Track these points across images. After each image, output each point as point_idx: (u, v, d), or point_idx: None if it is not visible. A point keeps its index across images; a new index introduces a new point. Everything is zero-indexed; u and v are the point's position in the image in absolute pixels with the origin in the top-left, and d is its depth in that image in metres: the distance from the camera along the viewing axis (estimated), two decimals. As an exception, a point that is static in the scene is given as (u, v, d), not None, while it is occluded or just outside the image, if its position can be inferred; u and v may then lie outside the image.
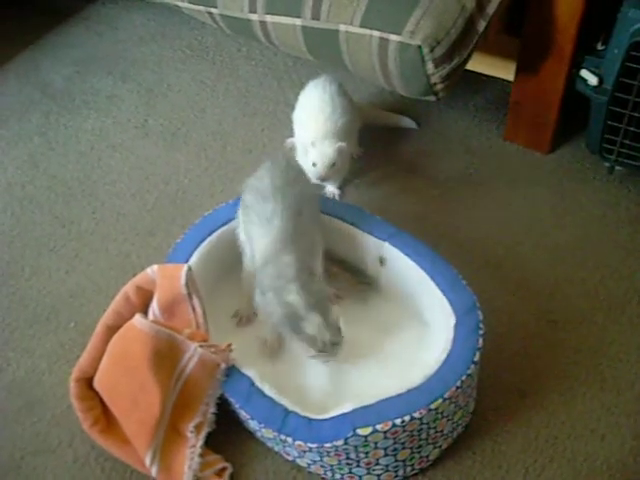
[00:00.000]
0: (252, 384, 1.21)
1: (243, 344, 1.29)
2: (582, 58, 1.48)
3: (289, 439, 1.16)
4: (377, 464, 1.18)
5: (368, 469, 1.18)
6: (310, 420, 1.16)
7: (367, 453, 1.15)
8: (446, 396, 1.13)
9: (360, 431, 1.11)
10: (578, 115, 1.58)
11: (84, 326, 1.43)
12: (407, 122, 1.77)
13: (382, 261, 1.39)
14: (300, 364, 1.32)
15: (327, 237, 1.37)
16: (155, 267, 1.30)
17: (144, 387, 1.20)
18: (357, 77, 1.55)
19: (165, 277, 1.29)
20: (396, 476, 1.22)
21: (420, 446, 1.18)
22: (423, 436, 1.16)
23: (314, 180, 1.53)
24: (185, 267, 1.28)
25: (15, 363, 1.40)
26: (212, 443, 1.25)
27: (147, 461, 1.20)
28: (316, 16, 1.39)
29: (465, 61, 1.38)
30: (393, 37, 1.33)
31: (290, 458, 1.23)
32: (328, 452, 1.15)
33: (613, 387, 1.33)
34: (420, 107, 1.80)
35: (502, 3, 1.39)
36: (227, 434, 1.26)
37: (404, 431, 1.12)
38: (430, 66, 1.33)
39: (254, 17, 1.47)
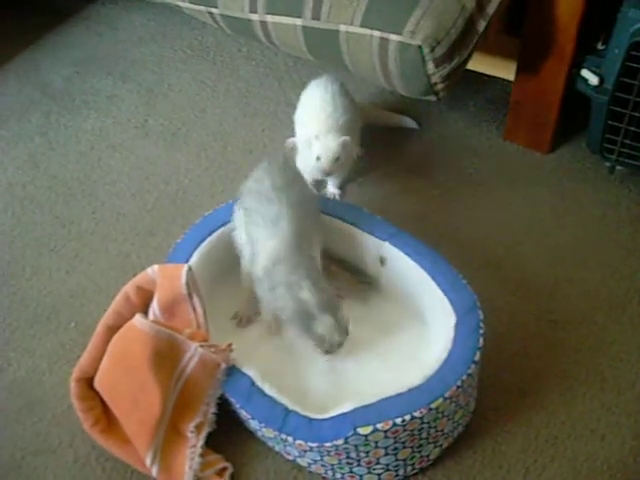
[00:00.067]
0: (252, 384, 1.21)
1: (243, 344, 1.29)
2: (582, 58, 1.48)
3: (290, 438, 1.16)
4: (378, 463, 1.18)
5: (369, 468, 1.19)
6: (310, 419, 1.16)
7: (368, 452, 1.15)
8: (447, 395, 1.13)
9: (361, 430, 1.11)
10: (578, 115, 1.58)
11: (84, 326, 1.43)
12: (408, 122, 1.77)
13: (382, 261, 1.39)
14: (300, 364, 1.33)
15: (327, 237, 1.37)
16: (155, 267, 1.30)
17: (144, 387, 1.20)
18: (357, 77, 1.55)
19: (165, 277, 1.29)
20: (397, 475, 1.22)
21: (421, 445, 1.18)
22: (424, 435, 1.16)
23: (318, 176, 1.53)
24: (185, 267, 1.28)
25: (16, 363, 1.40)
26: (213, 443, 1.25)
27: (148, 461, 1.20)
28: (316, 16, 1.39)
29: (465, 61, 1.38)
30: (393, 37, 1.33)
31: (291, 457, 1.23)
32: (329, 451, 1.15)
33: (613, 387, 1.33)
34: (420, 107, 1.80)
35: (502, 3, 1.39)
36: (228, 434, 1.26)
37: (405, 430, 1.12)
38: (430, 66, 1.33)
39: (255, 17, 1.47)
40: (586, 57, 1.47)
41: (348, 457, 1.16)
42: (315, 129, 1.55)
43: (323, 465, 1.19)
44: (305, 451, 1.17)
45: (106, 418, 1.25)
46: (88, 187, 1.70)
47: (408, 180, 1.68)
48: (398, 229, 1.38)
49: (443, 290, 1.27)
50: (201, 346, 1.22)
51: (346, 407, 1.14)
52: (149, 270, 1.31)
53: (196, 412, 1.23)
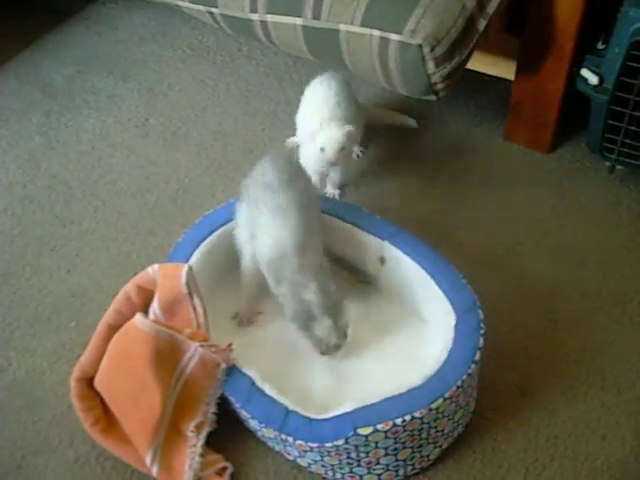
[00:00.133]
0: (253, 384, 1.21)
1: (244, 344, 1.29)
2: (582, 57, 1.48)
3: (290, 439, 1.16)
4: (378, 464, 1.18)
5: (369, 468, 1.19)
6: (311, 420, 1.16)
7: (368, 453, 1.15)
8: (447, 396, 1.13)
9: (361, 431, 1.11)
10: (578, 114, 1.58)
11: (85, 325, 1.43)
12: (408, 121, 1.77)
13: (382, 260, 1.38)
14: (301, 364, 1.32)
15: (327, 236, 1.36)
16: (156, 266, 1.30)
17: (145, 387, 1.20)
18: (357, 77, 1.55)
19: (166, 276, 1.29)
20: (397, 475, 1.22)
21: (421, 445, 1.18)
22: (424, 436, 1.16)
23: (322, 168, 1.52)
24: (186, 266, 1.28)
25: (16, 362, 1.40)
26: (213, 442, 1.25)
27: (148, 460, 1.20)
28: (317, 16, 1.39)
29: (465, 60, 1.38)
30: (394, 36, 1.33)
31: (291, 458, 1.24)
32: (329, 452, 1.15)
33: (614, 387, 1.33)
34: (420, 107, 1.79)
35: (502, 2, 1.39)
36: (228, 433, 1.26)
37: (405, 431, 1.12)
38: (431, 65, 1.33)
39: (255, 17, 1.47)
40: (586, 56, 1.47)
41: (348, 457, 1.16)
42: (319, 119, 1.52)
43: (323, 465, 1.19)
44: (305, 451, 1.17)
45: (106, 418, 1.25)
46: (89, 186, 1.70)
47: (408, 180, 1.68)
48: (398, 228, 1.38)
49: (443, 290, 1.27)
50: (201, 346, 1.22)
51: (346, 407, 1.14)
52: (149, 269, 1.31)
53: (196, 412, 1.23)
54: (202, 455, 1.22)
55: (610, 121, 1.49)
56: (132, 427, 1.22)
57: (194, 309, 1.27)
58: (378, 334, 1.35)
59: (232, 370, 1.23)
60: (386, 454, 1.16)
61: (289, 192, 1.29)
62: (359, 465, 1.18)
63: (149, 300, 1.30)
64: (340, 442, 1.12)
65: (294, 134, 1.70)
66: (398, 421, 1.11)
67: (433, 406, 1.12)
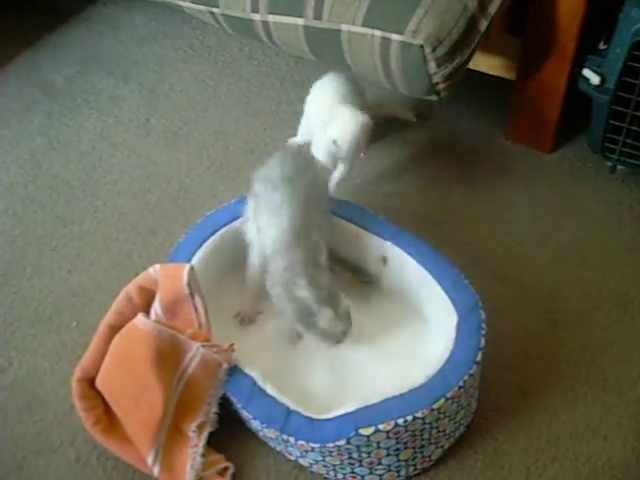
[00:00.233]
0: (254, 384, 1.21)
1: (245, 344, 1.29)
2: (584, 57, 1.48)
3: (291, 439, 1.16)
4: (379, 464, 1.18)
5: (370, 469, 1.19)
6: (312, 420, 1.16)
7: (369, 453, 1.15)
8: (448, 396, 1.13)
9: (362, 431, 1.11)
10: (580, 114, 1.58)
11: (86, 326, 1.43)
12: (409, 115, 1.77)
13: (384, 260, 1.38)
14: (302, 364, 1.33)
15: (329, 236, 1.36)
16: (157, 267, 1.31)
17: (146, 387, 1.20)
18: (359, 77, 1.54)
19: (167, 277, 1.29)
20: (398, 476, 1.22)
21: (422, 446, 1.18)
22: (425, 436, 1.16)
23: (330, 163, 1.49)
24: (187, 267, 1.28)
25: (17, 363, 1.41)
26: (214, 443, 1.25)
27: (149, 460, 1.20)
28: (318, 16, 1.39)
29: (467, 61, 1.38)
30: (395, 37, 1.33)
31: (292, 458, 1.23)
32: (330, 452, 1.15)
33: (615, 387, 1.33)
34: (422, 107, 1.79)
35: (504, 3, 1.39)
36: (229, 434, 1.26)
37: (406, 431, 1.12)
38: (432, 65, 1.33)
39: (256, 17, 1.47)
40: (587, 57, 1.47)
41: (350, 457, 1.16)
42: (329, 109, 1.48)
43: (325, 465, 1.19)
44: (307, 451, 1.17)
45: (108, 418, 1.25)
46: (89, 187, 1.70)
47: (409, 179, 1.68)
48: (400, 228, 1.38)
49: (445, 290, 1.27)
50: (203, 346, 1.22)
51: (348, 408, 1.14)
52: (151, 270, 1.31)
53: (198, 412, 1.23)
54: (204, 455, 1.22)
55: (612, 121, 1.49)
56: (134, 427, 1.22)
57: (195, 309, 1.27)
58: (380, 334, 1.35)
59: (233, 370, 1.23)
60: (388, 454, 1.16)
61: (288, 188, 1.28)
62: (361, 465, 1.18)
63: (150, 300, 1.30)
64: (342, 442, 1.12)
65: (295, 134, 1.70)
66: (400, 421, 1.11)
67: (435, 406, 1.12)
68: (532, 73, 1.58)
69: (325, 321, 1.23)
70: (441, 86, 1.37)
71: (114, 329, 1.27)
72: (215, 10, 1.53)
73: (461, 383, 1.15)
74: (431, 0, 1.33)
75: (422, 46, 1.31)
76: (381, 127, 1.75)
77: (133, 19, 2.12)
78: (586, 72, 1.47)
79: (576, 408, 1.31)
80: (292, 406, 1.17)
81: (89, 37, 2.08)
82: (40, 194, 1.69)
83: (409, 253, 1.34)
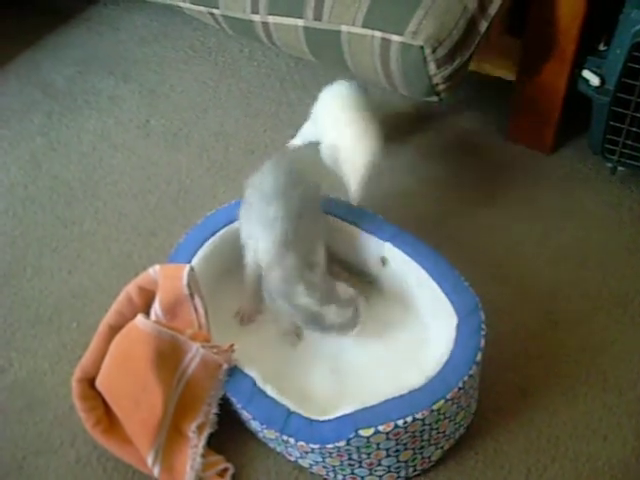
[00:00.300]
0: (254, 385, 1.21)
1: (245, 345, 1.29)
2: (584, 59, 1.48)
3: (291, 440, 1.16)
4: (379, 465, 1.18)
5: (370, 470, 1.19)
6: (312, 421, 1.16)
7: (369, 454, 1.15)
8: (448, 397, 1.13)
9: (362, 432, 1.11)
10: (580, 116, 1.58)
11: (86, 326, 1.43)
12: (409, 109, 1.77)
13: (384, 261, 1.38)
14: (302, 365, 1.33)
15: (328, 237, 1.37)
16: (157, 267, 1.31)
17: (146, 387, 1.20)
18: (359, 78, 1.54)
19: (167, 277, 1.29)
20: (398, 477, 1.22)
21: (422, 447, 1.18)
22: (425, 437, 1.16)
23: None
24: (187, 267, 1.28)
25: (17, 363, 1.41)
26: (214, 443, 1.25)
27: (149, 461, 1.20)
28: (318, 17, 1.39)
29: (467, 62, 1.38)
30: (395, 38, 1.33)
31: (292, 459, 1.24)
32: (330, 453, 1.15)
33: (615, 387, 1.33)
34: (422, 108, 1.79)
35: (504, 4, 1.39)
36: (229, 434, 1.26)
37: (406, 432, 1.12)
38: (432, 67, 1.33)
39: (256, 18, 1.47)
40: (587, 58, 1.47)
41: (350, 459, 1.16)
42: (339, 125, 1.44)
43: (324, 466, 1.19)
44: (306, 452, 1.17)
45: (108, 418, 1.25)
46: (90, 187, 1.70)
47: (409, 180, 1.68)
48: (399, 229, 1.38)
49: (444, 291, 1.27)
50: (203, 347, 1.22)
51: (347, 409, 1.14)
52: (151, 270, 1.31)
53: (198, 413, 1.23)
54: (203, 456, 1.22)
55: (611, 122, 1.49)
56: (133, 428, 1.22)
57: (195, 310, 1.27)
58: (379, 335, 1.35)
59: (234, 371, 1.23)
60: (387, 455, 1.16)
61: (281, 203, 1.29)
62: (360, 466, 1.18)
63: (150, 301, 1.30)
64: (341, 443, 1.12)
65: (295, 135, 1.70)
66: (399, 422, 1.11)
67: (434, 407, 1.12)
68: (532, 74, 1.58)
69: (333, 317, 1.24)
70: (441, 87, 1.37)
71: (114, 329, 1.27)
72: (215, 11, 1.53)
73: (461, 384, 1.15)
74: (431, 1, 1.33)
75: (422, 47, 1.31)
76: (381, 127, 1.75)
77: (133, 20, 2.12)
78: (586, 73, 1.47)
79: (576, 408, 1.31)
80: (292, 407, 1.17)
81: (89, 37, 2.08)
82: (40, 195, 1.69)
83: (408, 254, 1.34)
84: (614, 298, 1.45)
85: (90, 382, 1.26)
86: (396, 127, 1.78)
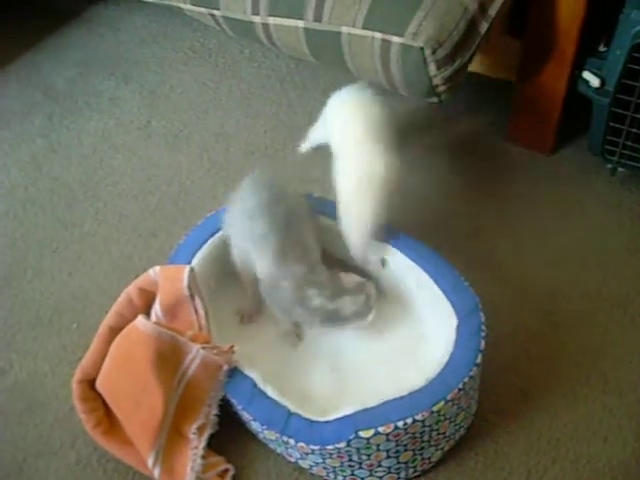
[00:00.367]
0: (255, 386, 1.21)
1: (246, 346, 1.28)
2: (584, 60, 1.48)
3: (291, 441, 1.16)
4: (379, 466, 1.18)
5: (370, 471, 1.19)
6: (312, 422, 1.16)
7: (369, 455, 1.15)
8: (448, 398, 1.13)
9: (362, 433, 1.11)
10: (580, 117, 1.58)
11: (87, 328, 1.43)
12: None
13: (383, 262, 1.38)
14: (303, 366, 1.33)
15: (328, 238, 1.36)
16: (157, 268, 1.31)
17: (147, 389, 1.20)
18: (359, 79, 1.54)
19: (167, 279, 1.29)
20: (398, 478, 1.22)
21: (422, 448, 1.18)
22: (425, 438, 1.16)
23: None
24: (187, 268, 1.28)
25: (17, 365, 1.41)
26: (215, 445, 1.25)
27: (150, 462, 1.20)
28: (318, 18, 1.39)
29: (467, 63, 1.38)
30: (395, 39, 1.33)
31: (292, 460, 1.24)
32: (330, 454, 1.15)
33: (615, 389, 1.33)
34: (422, 108, 1.79)
35: (504, 5, 1.39)
36: (229, 436, 1.27)
37: (406, 433, 1.12)
38: (432, 68, 1.33)
39: (257, 19, 1.47)
40: (587, 59, 1.47)
41: (350, 460, 1.16)
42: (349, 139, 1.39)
43: (325, 467, 1.19)
44: (307, 453, 1.17)
45: (108, 420, 1.25)
46: (90, 189, 1.70)
47: (408, 181, 1.67)
48: (398, 230, 1.38)
49: (444, 292, 1.27)
50: (203, 348, 1.22)
51: (347, 410, 1.14)
52: (151, 271, 1.31)
53: (198, 414, 1.23)
54: (204, 457, 1.22)
55: (611, 123, 1.49)
56: (134, 429, 1.22)
57: (196, 311, 1.27)
58: (379, 336, 1.35)
59: (234, 372, 1.23)
60: (387, 457, 1.16)
61: (266, 219, 1.29)
62: (361, 467, 1.18)
63: (151, 302, 1.30)
64: (342, 444, 1.12)
65: (295, 136, 1.70)
66: (399, 424, 1.11)
67: (435, 409, 1.12)
68: (532, 75, 1.58)
69: (348, 307, 1.26)
70: (441, 88, 1.37)
71: (114, 331, 1.27)
72: (216, 12, 1.53)
73: (461, 385, 1.14)
74: (431, 2, 1.33)
75: (422, 48, 1.31)
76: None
77: (134, 21, 2.12)
78: (586, 74, 1.47)
79: (576, 410, 1.31)
80: (292, 408, 1.17)
81: (90, 39, 2.08)
82: (41, 196, 1.69)
83: (408, 255, 1.34)
84: (614, 299, 1.45)
85: (90, 384, 1.26)
86: (396, 128, 1.78)
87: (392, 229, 1.38)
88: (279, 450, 1.24)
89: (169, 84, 1.94)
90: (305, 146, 1.69)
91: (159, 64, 1.99)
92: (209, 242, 1.38)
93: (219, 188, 1.68)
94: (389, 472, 1.20)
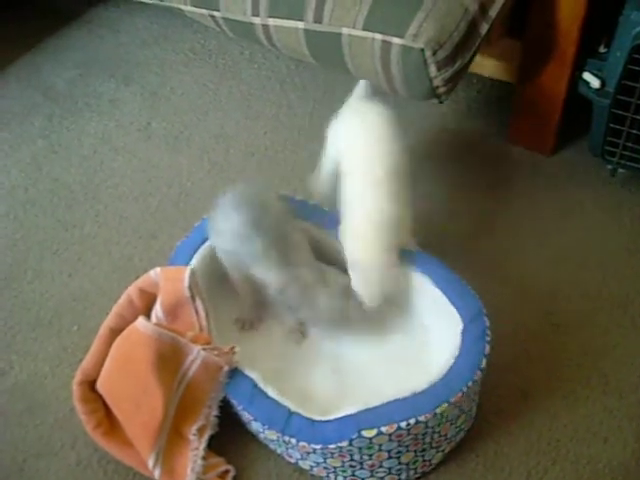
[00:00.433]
0: (255, 386, 1.21)
1: (246, 346, 1.28)
2: (584, 61, 1.48)
3: (293, 440, 1.16)
4: (381, 467, 1.18)
5: (371, 471, 1.19)
6: (314, 421, 1.16)
7: (371, 455, 1.15)
8: (451, 401, 1.13)
9: (365, 433, 1.11)
10: (580, 118, 1.58)
11: (87, 329, 1.43)
12: None
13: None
14: (303, 366, 1.33)
15: (330, 242, 1.36)
16: (158, 270, 1.31)
17: (147, 390, 1.20)
18: (359, 80, 1.54)
19: (168, 280, 1.29)
20: (399, 479, 1.22)
21: (424, 450, 1.18)
22: (427, 440, 1.16)
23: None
24: (188, 270, 1.29)
25: (18, 366, 1.41)
26: (215, 446, 1.25)
27: (150, 463, 1.20)
28: (318, 19, 1.39)
29: (468, 64, 1.38)
30: (396, 40, 1.33)
31: (293, 460, 1.24)
32: (332, 453, 1.15)
33: (616, 390, 1.33)
34: (422, 109, 1.79)
35: (504, 6, 1.39)
36: (230, 437, 1.27)
37: (409, 434, 1.12)
38: (433, 69, 1.33)
39: (257, 20, 1.47)
40: (588, 60, 1.47)
41: (351, 460, 1.16)
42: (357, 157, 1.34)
43: (326, 468, 1.19)
44: (308, 453, 1.17)
45: (108, 421, 1.25)
46: (91, 190, 1.70)
47: (408, 182, 1.67)
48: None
49: (448, 297, 1.26)
50: (204, 349, 1.22)
51: (350, 410, 1.14)
52: (152, 273, 1.31)
53: (198, 415, 1.23)
54: (204, 458, 1.22)
55: (612, 124, 1.49)
56: (134, 430, 1.22)
57: (196, 312, 1.28)
58: (381, 338, 1.35)
59: (234, 372, 1.23)
60: (389, 457, 1.16)
61: (259, 239, 1.28)
62: (362, 468, 1.18)
63: (151, 303, 1.30)
64: (344, 444, 1.12)
65: (295, 137, 1.70)
66: (402, 424, 1.11)
67: (438, 411, 1.12)
68: (532, 76, 1.59)
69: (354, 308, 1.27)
70: (442, 89, 1.37)
71: (115, 332, 1.28)
72: (216, 14, 1.53)
73: (465, 389, 1.14)
74: (432, 4, 1.33)
75: (423, 50, 1.31)
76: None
77: (134, 22, 2.12)
78: (586, 75, 1.47)
79: (577, 411, 1.31)
80: (293, 408, 1.17)
81: (90, 40, 2.08)
82: (41, 198, 1.69)
83: (411, 262, 1.33)
84: (614, 299, 1.45)
85: (91, 385, 1.26)
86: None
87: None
88: (279, 451, 1.24)
89: (169, 85, 1.94)
90: (318, 185, 1.51)
91: (159, 65, 1.99)
92: (209, 243, 1.38)
93: (219, 189, 1.65)
94: (390, 473, 1.20)
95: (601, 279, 1.49)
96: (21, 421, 1.33)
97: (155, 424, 1.20)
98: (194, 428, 1.23)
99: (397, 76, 1.38)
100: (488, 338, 1.21)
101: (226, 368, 1.22)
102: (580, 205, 1.62)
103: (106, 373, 1.24)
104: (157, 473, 1.21)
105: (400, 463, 1.18)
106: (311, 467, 1.22)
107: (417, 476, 1.23)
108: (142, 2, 1.68)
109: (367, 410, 1.13)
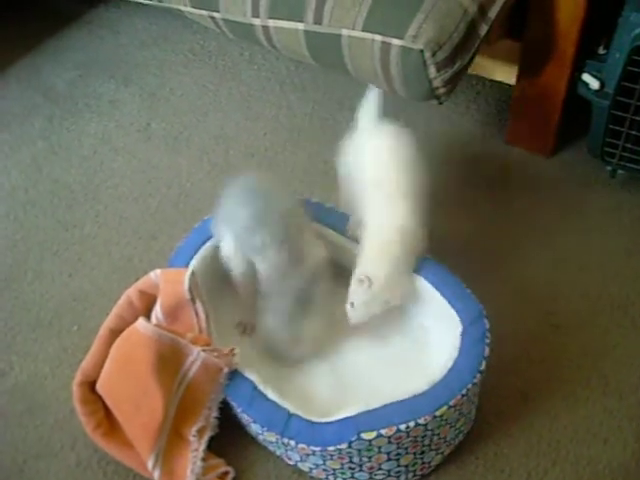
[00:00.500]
0: (255, 388, 1.21)
1: (246, 348, 1.28)
2: (584, 62, 1.48)
3: (292, 442, 1.16)
4: (379, 469, 1.18)
5: (370, 474, 1.18)
6: (313, 423, 1.16)
7: (370, 457, 1.15)
8: (451, 404, 1.13)
9: (364, 435, 1.11)
10: (580, 119, 1.58)
11: (87, 330, 1.43)
12: None
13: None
14: (303, 368, 1.32)
15: (331, 248, 1.36)
16: (158, 271, 1.31)
17: (147, 391, 1.20)
18: (359, 81, 1.55)
19: (168, 281, 1.29)
20: (398, 481, 1.22)
21: (423, 452, 1.18)
22: (426, 442, 1.16)
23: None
24: (188, 271, 1.28)
25: (18, 367, 1.41)
26: (215, 447, 1.25)
27: (150, 465, 1.20)
28: (318, 20, 1.40)
29: (467, 65, 1.38)
30: (395, 41, 1.33)
31: (292, 462, 1.23)
32: (331, 455, 1.15)
33: (616, 391, 1.33)
34: (421, 110, 1.80)
35: (504, 7, 1.39)
36: (229, 438, 1.27)
37: (408, 436, 1.12)
38: (432, 70, 1.33)
39: (256, 21, 1.47)
40: (587, 61, 1.47)
41: (351, 461, 1.16)
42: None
43: (325, 470, 1.19)
44: (307, 455, 1.17)
45: (108, 422, 1.25)
46: (91, 191, 1.70)
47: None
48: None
49: (448, 300, 1.26)
50: (204, 350, 1.22)
51: (349, 412, 1.14)
52: (152, 274, 1.31)
53: (198, 416, 1.23)
54: (204, 459, 1.22)
55: (611, 126, 1.49)
56: (134, 431, 1.22)
57: (196, 314, 1.28)
58: (381, 340, 1.35)
59: (234, 374, 1.23)
60: (388, 459, 1.16)
61: (267, 229, 1.27)
62: (361, 470, 1.18)
63: (151, 305, 1.30)
64: (343, 446, 1.12)
65: (295, 138, 1.70)
66: (402, 427, 1.11)
67: (437, 413, 1.12)
68: (532, 77, 1.59)
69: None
70: (441, 90, 1.37)
71: (115, 333, 1.28)
72: (216, 15, 1.54)
73: (464, 391, 1.14)
74: (431, 5, 1.33)
75: (422, 51, 1.31)
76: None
77: (134, 23, 2.12)
78: (586, 77, 1.47)
79: (577, 412, 1.31)
80: (292, 410, 1.17)
81: (90, 41, 2.08)
82: (41, 198, 1.69)
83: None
84: (614, 300, 1.45)
85: (91, 386, 1.26)
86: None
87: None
88: (279, 452, 1.24)
89: (169, 86, 1.94)
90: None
91: (159, 66, 1.99)
92: (209, 244, 1.38)
93: (219, 190, 1.68)
94: (389, 475, 1.20)
95: (601, 280, 1.49)
96: (21, 422, 1.33)
97: (155, 425, 1.20)
98: (194, 429, 1.23)
99: (396, 77, 1.38)
100: (488, 340, 1.20)
101: (226, 369, 1.22)
102: (579, 206, 1.62)
103: (106, 374, 1.24)
104: (157, 474, 1.21)
105: (399, 465, 1.18)
106: (310, 469, 1.22)
107: (416, 478, 1.23)
108: (142, 3, 1.69)
109: (366, 412, 1.13)
